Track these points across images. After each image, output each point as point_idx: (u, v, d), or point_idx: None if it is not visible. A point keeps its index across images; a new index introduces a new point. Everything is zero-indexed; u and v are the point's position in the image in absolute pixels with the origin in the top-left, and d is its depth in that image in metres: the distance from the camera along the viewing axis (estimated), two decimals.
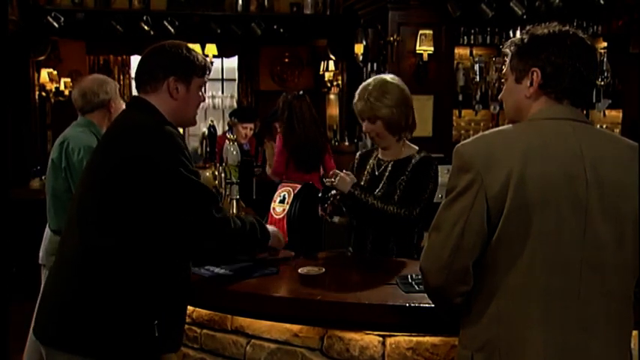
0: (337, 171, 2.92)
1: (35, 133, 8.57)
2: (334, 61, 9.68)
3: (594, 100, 5.17)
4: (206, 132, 7.88)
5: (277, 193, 2.94)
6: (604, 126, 5.22)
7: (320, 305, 2.19)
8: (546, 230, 1.61)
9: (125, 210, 2.00)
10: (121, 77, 10.82)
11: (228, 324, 2.42)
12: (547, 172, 1.61)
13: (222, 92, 12.14)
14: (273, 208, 2.90)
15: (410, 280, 2.31)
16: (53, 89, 9.27)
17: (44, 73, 8.97)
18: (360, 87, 2.91)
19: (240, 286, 2.32)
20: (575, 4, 5.71)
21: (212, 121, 8.91)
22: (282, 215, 2.84)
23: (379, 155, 3.00)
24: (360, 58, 7.49)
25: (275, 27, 8.62)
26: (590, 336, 1.63)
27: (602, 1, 5.30)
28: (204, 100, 2.28)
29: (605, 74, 5.15)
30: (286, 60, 11.64)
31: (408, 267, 2.59)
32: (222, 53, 10.23)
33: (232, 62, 11.61)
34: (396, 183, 2.85)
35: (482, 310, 1.69)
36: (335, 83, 9.88)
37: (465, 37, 6.70)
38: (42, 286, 2.88)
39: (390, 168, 2.91)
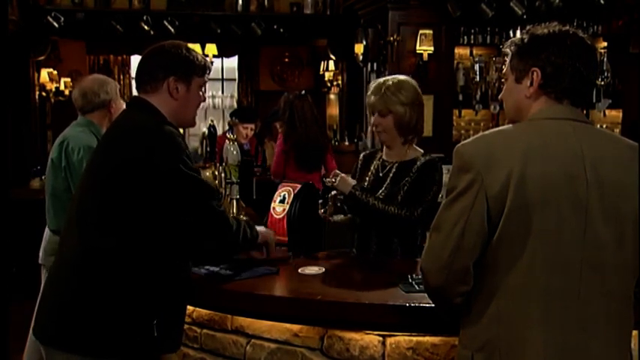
0: (338, 172, 2.91)
1: (35, 133, 8.58)
2: (334, 61, 9.69)
3: (594, 100, 5.17)
4: (206, 132, 7.88)
5: (277, 193, 2.94)
6: (604, 126, 5.22)
7: (320, 305, 2.19)
8: (546, 230, 1.61)
9: (125, 211, 2.00)
10: (121, 77, 10.83)
11: (229, 324, 2.42)
12: (547, 172, 1.61)
13: (222, 92, 12.14)
14: (273, 208, 2.90)
15: (410, 280, 2.31)
16: (53, 89, 9.27)
17: (44, 73, 8.98)
18: (375, 83, 2.91)
19: (241, 286, 2.32)
20: (575, 4, 5.71)
21: (212, 121, 8.90)
22: (282, 215, 2.84)
23: (384, 156, 2.99)
24: (360, 58, 7.49)
25: (275, 27, 8.62)
26: (590, 336, 1.63)
27: (602, 1, 5.30)
28: (204, 100, 2.28)
29: (605, 74, 5.15)
30: (286, 60, 11.64)
31: (409, 267, 2.59)
32: (222, 53, 10.23)
33: (232, 62, 11.61)
34: (400, 184, 2.84)
35: (483, 310, 1.69)
36: (335, 83, 9.89)
37: (465, 37, 6.70)
38: (42, 285, 2.88)
39: (394, 169, 2.91)
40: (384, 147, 3.00)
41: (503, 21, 6.48)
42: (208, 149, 7.20)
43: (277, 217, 2.86)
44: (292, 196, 2.85)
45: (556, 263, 1.62)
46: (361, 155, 3.17)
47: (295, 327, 2.28)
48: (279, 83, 11.57)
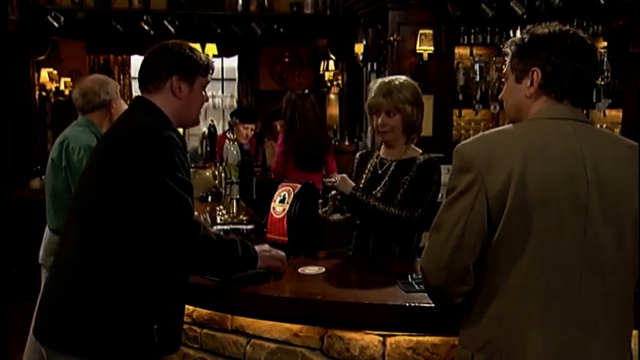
0: (337, 174, 2.93)
1: (35, 132, 8.57)
2: (334, 60, 9.69)
3: (594, 100, 5.17)
4: (206, 132, 7.90)
5: (277, 192, 2.94)
6: (604, 126, 5.22)
7: (320, 305, 2.19)
8: (547, 230, 1.61)
9: (124, 210, 1.99)
10: (121, 77, 10.82)
11: (229, 324, 2.42)
12: (547, 171, 1.61)
13: (223, 92, 12.14)
14: (274, 208, 2.90)
15: (410, 280, 2.31)
16: (53, 89, 9.27)
17: (44, 73, 8.98)
18: (379, 82, 2.90)
19: (241, 286, 2.31)
20: (575, 4, 5.71)
21: (212, 121, 8.93)
22: (282, 215, 2.84)
23: (381, 154, 2.99)
24: (360, 57, 7.49)
25: (275, 27, 8.62)
26: (590, 336, 1.63)
27: (602, 1, 5.30)
28: (207, 100, 2.28)
29: (605, 74, 5.15)
30: (286, 60, 11.64)
31: (409, 267, 2.59)
32: (223, 53, 10.25)
33: (232, 62, 11.61)
34: (399, 182, 2.85)
35: (483, 310, 1.69)
36: (335, 83, 9.88)
37: (465, 37, 6.70)
38: (42, 286, 2.88)
39: (393, 167, 2.91)
40: (384, 146, 3.00)
41: (504, 21, 6.47)
42: (208, 149, 7.22)
43: (277, 216, 2.86)
44: (292, 195, 2.85)
45: (556, 263, 1.62)
46: (357, 154, 3.18)
47: (295, 327, 2.28)
48: (279, 83, 11.57)
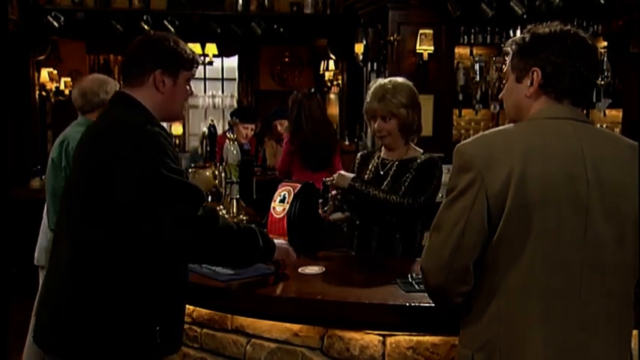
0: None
1: (35, 132, 8.58)
2: (334, 60, 9.69)
3: (594, 100, 5.17)
4: (206, 131, 7.89)
5: (277, 192, 2.93)
6: (604, 126, 5.22)
7: (320, 305, 2.19)
8: (547, 230, 1.60)
9: (108, 206, 1.93)
10: (121, 77, 10.81)
11: (229, 323, 2.42)
12: (548, 171, 1.61)
13: (223, 92, 12.15)
14: (274, 208, 2.89)
15: (410, 280, 2.31)
16: (53, 89, 9.27)
17: (44, 73, 8.98)
18: (374, 87, 2.90)
19: (241, 285, 2.32)
20: (576, 4, 5.71)
21: (212, 121, 8.92)
22: (282, 215, 2.84)
23: (383, 155, 3.00)
24: (361, 57, 7.49)
25: (275, 26, 8.63)
26: (590, 336, 1.63)
27: (602, 1, 5.30)
28: (191, 94, 2.22)
29: (606, 74, 5.15)
30: (286, 59, 11.64)
31: (409, 266, 2.59)
32: (223, 53, 10.24)
33: (232, 62, 11.61)
34: (401, 180, 2.85)
35: (483, 309, 1.69)
36: (335, 83, 9.89)
37: (465, 37, 6.70)
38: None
39: (394, 167, 2.92)
40: (384, 148, 3.00)
41: (504, 21, 6.48)
42: (208, 149, 7.21)
43: (277, 216, 2.86)
44: (292, 195, 2.85)
45: (556, 263, 1.61)
46: (358, 155, 3.18)
47: (295, 326, 2.28)
48: (279, 83, 11.58)
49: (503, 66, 1.85)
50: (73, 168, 2.16)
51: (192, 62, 2.17)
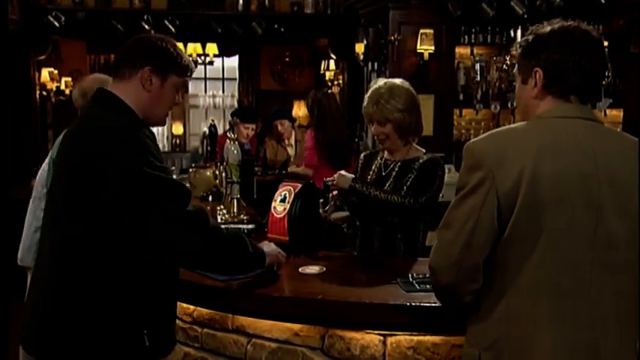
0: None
1: (36, 132, 8.57)
2: (335, 60, 9.68)
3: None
4: (207, 131, 7.88)
5: (278, 192, 2.94)
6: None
7: (321, 304, 2.19)
8: (558, 228, 1.60)
9: (92, 206, 1.89)
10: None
11: (229, 323, 2.41)
12: (559, 169, 1.60)
13: (223, 92, 12.16)
14: (274, 207, 2.90)
15: (411, 280, 2.31)
16: (54, 89, 9.27)
17: (45, 73, 8.98)
18: (370, 90, 2.90)
19: (241, 285, 2.32)
20: (576, 3, 5.72)
21: (213, 121, 8.91)
22: (283, 214, 2.84)
23: (385, 156, 2.99)
24: (361, 57, 7.48)
25: (276, 26, 8.62)
26: (599, 335, 1.62)
27: (602, 1, 5.31)
28: (178, 103, 2.17)
29: (606, 74, 5.14)
30: (287, 59, 11.64)
31: (410, 266, 2.59)
32: (223, 52, 10.24)
33: (233, 62, 11.62)
34: (403, 181, 2.85)
35: (492, 308, 1.68)
36: (336, 83, 9.87)
37: (466, 37, 6.70)
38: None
39: (397, 168, 2.91)
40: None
41: (504, 20, 6.48)
42: (209, 149, 7.20)
43: (278, 216, 2.86)
44: (293, 195, 2.85)
45: (567, 262, 1.61)
46: (362, 155, 3.18)
47: (296, 326, 2.28)
48: (279, 83, 11.58)
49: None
50: (57, 164, 2.10)
51: (184, 69, 2.12)
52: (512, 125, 1.80)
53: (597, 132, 1.69)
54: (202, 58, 8.91)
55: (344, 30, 8.47)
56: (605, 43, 5.39)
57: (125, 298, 1.94)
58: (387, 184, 2.89)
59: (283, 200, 2.87)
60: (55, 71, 9.38)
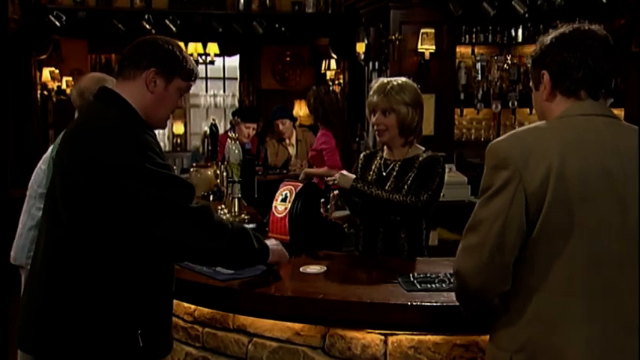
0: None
1: (37, 132, 8.58)
2: (336, 59, 9.70)
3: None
4: (208, 131, 7.87)
5: (279, 191, 2.94)
6: None
7: (322, 304, 2.19)
8: (586, 226, 1.59)
9: (93, 205, 1.89)
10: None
11: (230, 322, 2.41)
12: (585, 166, 1.60)
13: (224, 91, 12.15)
14: (275, 207, 2.90)
15: (412, 279, 2.31)
16: (55, 88, 9.28)
17: (46, 72, 8.99)
18: (377, 83, 2.91)
19: (242, 284, 2.32)
20: (577, 3, 5.71)
21: (214, 120, 8.91)
22: (283, 214, 2.84)
23: (385, 156, 2.98)
24: (362, 56, 7.48)
25: (277, 26, 8.63)
26: (628, 334, 1.60)
27: (604, 0, 5.30)
28: (180, 107, 2.19)
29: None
30: (288, 59, 11.65)
31: (411, 266, 2.59)
32: (224, 52, 10.24)
33: (234, 61, 11.62)
34: (404, 180, 2.84)
35: (521, 309, 1.65)
36: (337, 82, 9.88)
37: (467, 36, 6.70)
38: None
39: (397, 168, 2.90)
40: (385, 147, 2.99)
41: (505, 20, 6.48)
42: (210, 148, 7.20)
43: (279, 215, 2.86)
44: (294, 194, 2.85)
45: (597, 259, 1.59)
46: (361, 155, 3.17)
47: (297, 326, 2.28)
48: (280, 82, 11.58)
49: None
50: (56, 164, 2.09)
51: (189, 73, 2.12)
52: (532, 124, 1.78)
53: (617, 128, 1.69)
54: (203, 57, 8.92)
55: (345, 29, 8.47)
56: None
57: (119, 297, 1.94)
58: (388, 184, 2.88)
59: (284, 200, 2.87)
60: (56, 71, 9.40)
